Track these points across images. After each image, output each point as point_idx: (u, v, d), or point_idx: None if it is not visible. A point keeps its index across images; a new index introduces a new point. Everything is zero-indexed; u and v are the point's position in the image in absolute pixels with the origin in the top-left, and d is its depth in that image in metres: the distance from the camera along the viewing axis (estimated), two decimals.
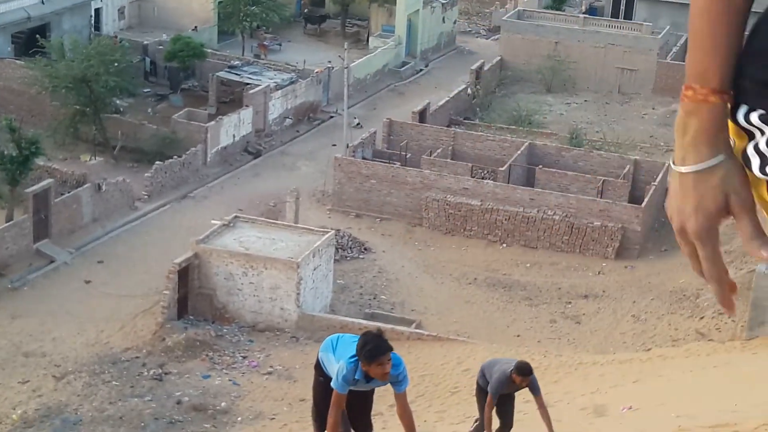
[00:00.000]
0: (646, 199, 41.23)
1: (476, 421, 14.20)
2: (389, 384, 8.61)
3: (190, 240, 35.30)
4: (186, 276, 34.16)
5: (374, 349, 8.22)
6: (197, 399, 30.08)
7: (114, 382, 30.78)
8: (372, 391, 9.11)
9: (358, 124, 49.34)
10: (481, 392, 13.69)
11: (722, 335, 32.85)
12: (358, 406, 9.07)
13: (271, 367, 31.98)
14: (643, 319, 35.51)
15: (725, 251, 39.14)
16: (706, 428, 7.94)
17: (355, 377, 8.50)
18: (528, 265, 39.51)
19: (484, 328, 34.38)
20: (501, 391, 13.10)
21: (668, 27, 61.37)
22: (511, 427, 13.64)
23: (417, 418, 8.82)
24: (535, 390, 13.07)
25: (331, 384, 8.71)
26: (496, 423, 13.78)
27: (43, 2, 51.04)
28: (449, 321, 34.61)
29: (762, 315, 31.10)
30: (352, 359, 8.43)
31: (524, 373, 12.95)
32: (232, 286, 34.30)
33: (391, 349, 8.34)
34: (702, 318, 34.76)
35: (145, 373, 31.33)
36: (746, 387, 22.97)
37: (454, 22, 64.05)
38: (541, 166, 44.07)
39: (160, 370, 31.53)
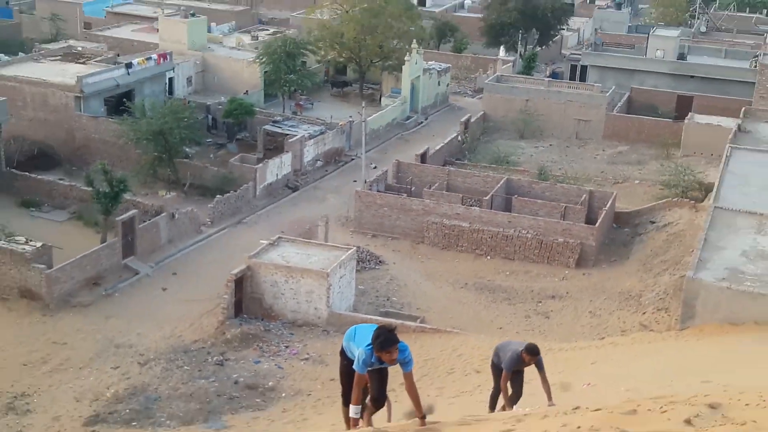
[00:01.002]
0: (598, 221, 41.16)
1: (491, 390, 14.11)
2: (398, 365, 8.65)
3: (243, 256, 35.40)
4: (241, 284, 34.19)
5: (384, 342, 8.32)
6: (250, 379, 30.15)
7: (185, 367, 30.85)
8: (386, 370, 9.05)
9: (374, 166, 49.45)
10: (495, 368, 13.67)
11: (660, 327, 32.75)
12: (376, 382, 9.05)
13: (307, 354, 32.00)
14: (598, 314, 35.45)
15: (661, 260, 39.13)
16: (648, 399, 7.92)
17: (371, 360, 8.58)
18: (507, 273, 39.46)
19: (473, 322, 34.33)
20: (513, 367, 13.09)
21: (614, 87, 61.61)
22: (520, 396, 13.51)
23: (421, 393, 8.89)
24: (540, 367, 13.02)
25: (353, 366, 8.84)
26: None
27: (129, 73, 51.41)
28: (446, 317, 34.55)
29: (691, 311, 31.05)
30: (369, 347, 8.52)
31: (533, 353, 12.93)
32: (276, 291, 34.33)
33: (397, 341, 8.39)
34: (644, 313, 34.68)
35: (210, 360, 31.38)
36: (679, 367, 23.00)
37: (447, 85, 64.27)
38: (516, 196, 44.08)
39: (221, 357, 31.56)
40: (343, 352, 9.43)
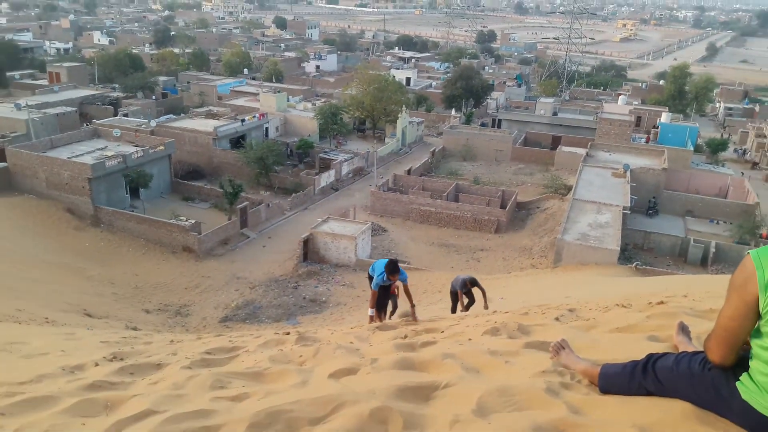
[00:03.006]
0: (508, 207, 41.24)
1: (451, 310, 13.93)
2: (399, 281, 8.97)
3: (308, 228, 35.53)
4: (307, 243, 34.34)
5: (392, 269, 8.62)
6: (312, 296, 30.32)
7: (276, 290, 31.02)
8: (389, 288, 9.26)
9: (382, 177, 49.42)
10: (453, 295, 13.49)
11: (542, 266, 32.88)
12: (387, 293, 9.28)
13: (344, 282, 32.15)
14: (507, 259, 35.60)
15: (543, 228, 39.10)
16: (534, 306, 7.93)
17: (384, 280, 8.79)
18: (456, 236, 39.58)
19: (437, 264, 34.51)
20: (462, 289, 13.00)
21: (516, 131, 61.52)
22: (473, 302, 13.43)
23: (407, 300, 9.03)
24: (480, 287, 12.88)
25: (372, 286, 8.93)
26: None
27: (242, 124, 51.50)
28: (423, 261, 34.71)
29: (559, 257, 31.20)
30: (381, 274, 8.76)
31: (474, 282, 12.94)
32: (327, 247, 34.42)
33: (399, 269, 8.70)
34: (533, 258, 34.78)
35: (289, 285, 31.55)
36: (552, 288, 22.98)
37: (422, 130, 64.22)
38: (461, 193, 44.10)
39: (296, 284, 31.74)
40: (369, 276, 9.59)
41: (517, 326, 5.14)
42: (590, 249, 30.31)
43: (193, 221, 36.38)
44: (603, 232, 32.02)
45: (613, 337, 4.32)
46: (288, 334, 6.76)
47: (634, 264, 30.32)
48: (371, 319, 9.01)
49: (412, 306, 8.57)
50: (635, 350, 3.57)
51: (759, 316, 2.55)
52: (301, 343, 5.86)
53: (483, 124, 65.67)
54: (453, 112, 69.69)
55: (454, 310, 13.86)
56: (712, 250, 33.79)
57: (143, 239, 35.75)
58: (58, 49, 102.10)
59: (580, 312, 6.06)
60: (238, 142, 50.11)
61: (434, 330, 6.18)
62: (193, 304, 29.36)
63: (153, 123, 49.63)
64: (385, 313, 9.66)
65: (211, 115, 55.88)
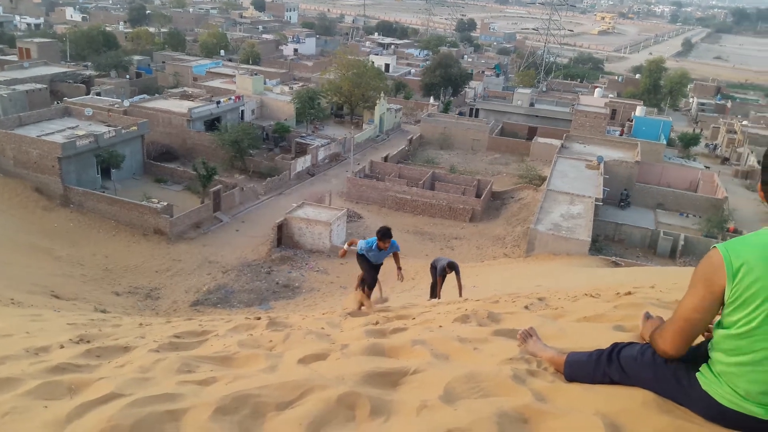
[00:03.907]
0: (483, 196, 41.45)
1: (431, 285, 13.70)
2: (390, 254, 8.91)
3: (283, 212, 35.31)
4: (281, 228, 34.13)
5: (384, 234, 8.60)
6: (285, 281, 30.24)
7: (249, 275, 30.86)
8: (380, 266, 9.00)
9: (359, 164, 49.24)
10: (433, 270, 13.33)
11: (515, 255, 33.20)
12: (374, 273, 8.94)
13: (318, 268, 32.06)
14: (481, 248, 35.81)
15: (516, 218, 39.44)
16: (505, 294, 8.00)
17: (372, 248, 8.66)
18: (431, 224, 39.67)
19: (411, 252, 34.40)
20: (442, 273, 12.88)
21: (493, 121, 61.82)
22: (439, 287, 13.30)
23: (384, 286, 9.00)
24: (458, 274, 12.78)
25: (358, 250, 8.83)
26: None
27: (218, 106, 50.73)
28: (401, 250, 34.64)
29: (532, 247, 31.51)
30: (372, 240, 8.68)
31: (452, 267, 12.80)
32: (301, 233, 34.26)
33: (391, 236, 8.66)
34: (506, 248, 35.08)
35: (262, 270, 31.41)
36: (523, 277, 23.25)
37: (400, 117, 64.03)
38: (437, 181, 44.19)
39: (269, 269, 31.60)
40: (357, 255, 9.12)
41: (487, 314, 5.18)
42: (562, 239, 30.71)
43: (165, 203, 35.88)
44: (575, 222, 32.46)
45: (581, 326, 4.38)
46: (259, 319, 6.72)
47: (613, 259, 30.74)
48: (343, 252, 9.50)
49: (399, 269, 8.93)
50: (601, 339, 3.63)
51: (723, 306, 2.61)
52: (272, 328, 5.83)
53: (461, 113, 65.73)
54: (431, 100, 69.62)
55: (432, 294, 13.77)
56: (681, 242, 34.53)
57: (114, 221, 35.15)
58: (28, 24, 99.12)
59: (549, 301, 6.13)
60: (212, 124, 49.35)
61: (406, 317, 6.21)
62: (164, 288, 29.04)
63: (126, 103, 48.63)
64: (380, 290, 9.40)
65: (185, 96, 54.96)
